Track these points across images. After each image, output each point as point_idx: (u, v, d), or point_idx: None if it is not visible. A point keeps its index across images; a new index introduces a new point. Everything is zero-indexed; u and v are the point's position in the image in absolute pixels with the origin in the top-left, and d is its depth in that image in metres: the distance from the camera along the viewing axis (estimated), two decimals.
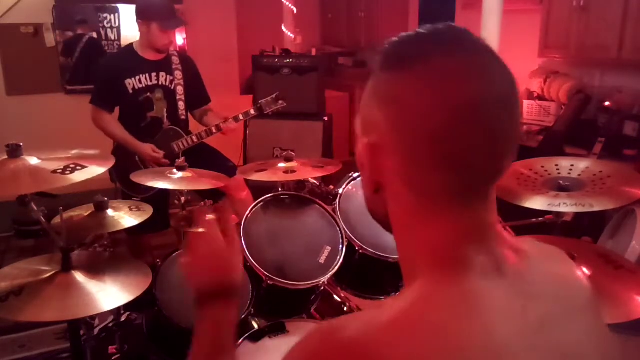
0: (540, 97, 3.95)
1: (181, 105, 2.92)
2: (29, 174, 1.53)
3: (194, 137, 2.92)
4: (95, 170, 1.61)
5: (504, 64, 0.61)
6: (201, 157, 2.81)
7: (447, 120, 0.57)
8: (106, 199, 1.98)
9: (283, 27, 5.07)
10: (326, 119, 4.32)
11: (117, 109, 2.95)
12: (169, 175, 2.28)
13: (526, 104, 4.03)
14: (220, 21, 5.52)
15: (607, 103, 3.50)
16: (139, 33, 2.86)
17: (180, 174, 2.28)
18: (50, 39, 4.69)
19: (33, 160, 1.58)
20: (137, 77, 2.83)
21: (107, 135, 2.89)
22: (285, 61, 4.34)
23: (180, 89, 2.90)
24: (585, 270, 0.74)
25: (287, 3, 5.00)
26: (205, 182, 2.31)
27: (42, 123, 4.22)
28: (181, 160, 2.32)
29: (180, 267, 0.84)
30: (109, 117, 2.88)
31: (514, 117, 0.59)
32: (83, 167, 1.59)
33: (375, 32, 5.50)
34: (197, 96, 3.05)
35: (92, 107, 2.88)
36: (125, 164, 2.79)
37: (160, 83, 2.87)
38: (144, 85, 2.84)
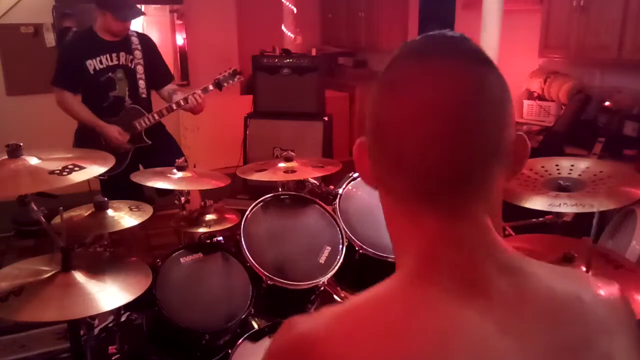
0: (540, 97, 3.95)
1: (141, 84, 2.97)
2: (29, 174, 1.54)
3: (155, 115, 2.98)
4: (94, 171, 1.61)
5: (490, 74, 0.59)
6: (160, 143, 3.02)
7: (397, 124, 0.57)
8: (106, 199, 1.98)
9: (283, 27, 5.07)
10: (326, 119, 4.32)
11: None
12: (169, 175, 2.28)
13: (526, 104, 4.03)
14: (220, 21, 5.52)
15: (607, 103, 3.50)
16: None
17: (180, 174, 2.28)
18: (50, 39, 4.69)
19: (33, 160, 1.58)
20: (98, 58, 2.87)
21: (71, 116, 2.94)
22: (285, 61, 4.34)
23: (140, 68, 2.95)
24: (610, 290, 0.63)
25: (287, 3, 4.99)
26: (205, 182, 2.31)
27: (42, 123, 4.22)
28: (181, 160, 2.32)
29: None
30: (73, 98, 2.93)
31: (479, 128, 0.57)
32: (81, 167, 1.59)
33: (375, 32, 5.50)
34: (160, 75, 3.10)
35: (55, 88, 2.92)
36: (88, 145, 2.83)
37: (120, 63, 2.92)
38: (104, 66, 2.89)
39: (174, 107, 2.95)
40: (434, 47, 0.60)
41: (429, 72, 0.58)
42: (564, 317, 0.58)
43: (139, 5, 2.96)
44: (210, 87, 2.99)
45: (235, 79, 3.03)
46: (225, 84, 3.02)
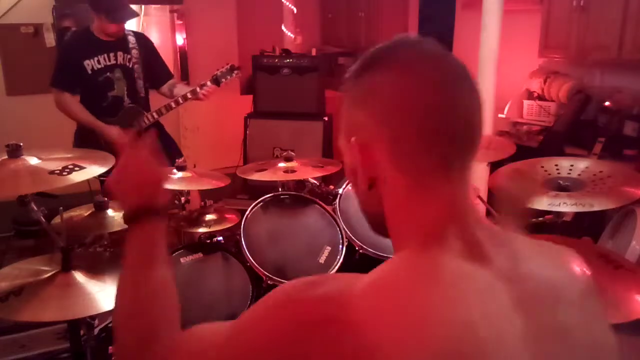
0: (540, 97, 3.95)
1: (139, 83, 2.97)
2: (29, 174, 1.54)
3: (155, 114, 2.98)
4: (94, 171, 1.61)
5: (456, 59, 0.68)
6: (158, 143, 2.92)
7: (420, 99, 0.63)
8: (106, 199, 1.98)
9: (283, 27, 5.07)
10: (326, 119, 4.33)
11: None
12: (168, 175, 2.28)
13: (526, 104, 4.02)
14: (220, 21, 5.51)
15: (607, 103, 3.50)
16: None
17: (180, 174, 2.28)
18: (50, 39, 4.68)
19: (33, 160, 1.58)
20: (96, 58, 2.87)
21: (70, 117, 2.93)
22: (285, 61, 4.34)
23: (138, 67, 2.95)
24: (582, 265, 0.71)
25: (287, 3, 4.99)
26: (205, 182, 2.31)
27: (42, 123, 4.22)
28: (181, 160, 2.32)
29: (112, 188, 0.86)
30: (72, 99, 2.92)
31: (476, 93, 0.66)
32: (81, 167, 1.59)
33: (375, 32, 5.49)
34: (158, 73, 3.10)
35: (54, 89, 2.91)
36: (88, 146, 2.83)
37: (118, 62, 2.92)
38: (102, 66, 2.88)
39: (173, 105, 2.94)
40: (410, 39, 0.69)
41: (427, 53, 0.67)
42: (548, 291, 0.64)
43: (138, 6, 2.96)
44: (208, 83, 2.98)
45: (234, 74, 3.01)
46: (223, 80, 3.00)
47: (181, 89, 3.04)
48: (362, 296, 0.56)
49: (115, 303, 0.80)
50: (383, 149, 0.65)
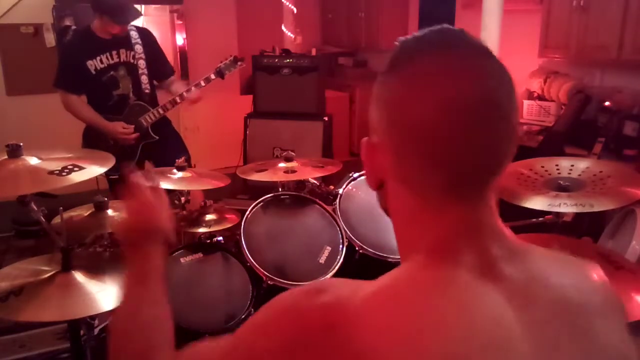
0: (540, 97, 3.95)
1: (144, 79, 2.95)
2: (28, 174, 1.53)
3: (160, 110, 2.97)
4: (93, 171, 1.61)
5: (498, 64, 0.61)
6: (166, 138, 3.03)
7: (429, 119, 0.58)
8: (106, 198, 1.98)
9: (283, 27, 5.07)
10: (326, 119, 4.32)
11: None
12: (169, 175, 2.28)
13: (526, 104, 4.03)
14: (220, 21, 5.51)
15: (607, 103, 3.50)
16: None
17: (180, 174, 2.28)
18: (50, 39, 4.68)
19: (33, 160, 1.58)
20: (98, 58, 2.85)
21: (77, 117, 2.92)
22: (285, 61, 4.34)
23: (142, 63, 2.93)
24: (603, 277, 0.68)
25: (287, 3, 4.99)
26: (205, 182, 2.31)
27: (42, 123, 4.22)
28: (181, 160, 2.32)
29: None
30: (77, 99, 2.91)
31: (503, 115, 0.59)
32: (81, 167, 1.59)
33: (375, 32, 5.50)
34: (160, 68, 3.08)
35: (59, 90, 2.90)
36: (97, 145, 2.84)
37: (122, 60, 2.90)
38: (105, 65, 2.87)
39: (178, 100, 2.94)
40: (445, 41, 0.62)
41: (451, 65, 0.60)
42: (567, 307, 0.61)
43: (138, 6, 2.96)
44: (213, 76, 2.97)
45: (237, 66, 3.00)
46: (227, 72, 2.99)
47: (179, 86, 3.04)
48: (364, 305, 0.55)
49: (114, 321, 0.81)
50: (389, 158, 0.63)
